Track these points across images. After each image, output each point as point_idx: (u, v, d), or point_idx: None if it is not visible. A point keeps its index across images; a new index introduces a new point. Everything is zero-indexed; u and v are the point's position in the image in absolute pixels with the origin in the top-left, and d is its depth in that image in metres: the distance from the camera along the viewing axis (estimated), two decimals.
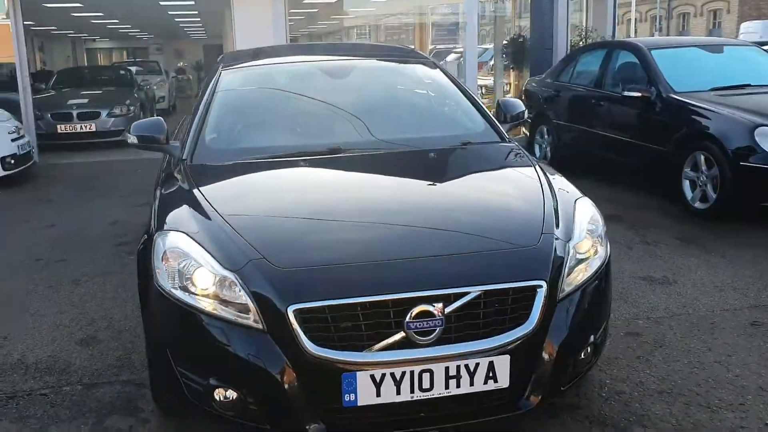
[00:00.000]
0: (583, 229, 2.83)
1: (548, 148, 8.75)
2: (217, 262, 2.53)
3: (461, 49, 19.68)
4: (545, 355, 2.55)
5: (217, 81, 3.92)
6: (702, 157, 6.15)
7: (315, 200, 3.01)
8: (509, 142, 3.71)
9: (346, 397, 2.39)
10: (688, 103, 6.45)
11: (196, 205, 2.89)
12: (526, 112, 4.11)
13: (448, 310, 2.41)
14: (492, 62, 14.72)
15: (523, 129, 9.60)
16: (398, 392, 2.41)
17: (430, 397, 2.44)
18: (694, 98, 6.48)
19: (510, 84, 13.60)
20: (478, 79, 13.69)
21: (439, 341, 2.42)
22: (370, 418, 2.47)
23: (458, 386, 2.45)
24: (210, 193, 2.99)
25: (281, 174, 3.29)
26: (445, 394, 2.46)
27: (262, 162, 3.36)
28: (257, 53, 4.45)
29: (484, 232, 2.75)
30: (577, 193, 3.13)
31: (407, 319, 2.39)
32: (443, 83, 4.08)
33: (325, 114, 3.78)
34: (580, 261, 2.74)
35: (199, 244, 2.62)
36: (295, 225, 2.81)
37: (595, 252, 2.83)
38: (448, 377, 2.43)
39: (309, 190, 3.14)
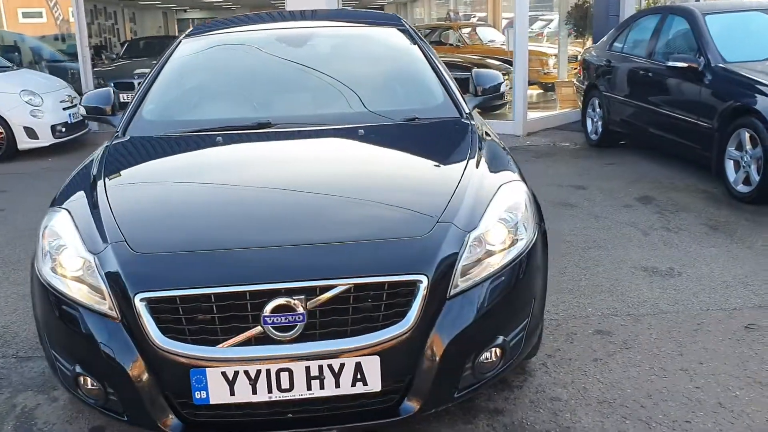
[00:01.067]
0: (496, 217, 2.52)
1: (599, 123, 8.20)
2: (83, 244, 2.41)
3: (550, 17, 18.85)
4: (428, 358, 2.29)
5: (173, 51, 3.79)
6: (747, 135, 5.55)
7: (207, 180, 2.84)
8: (468, 118, 3.39)
9: (197, 395, 2.23)
10: (737, 74, 5.82)
11: (93, 183, 2.78)
12: (505, 84, 3.76)
13: (311, 304, 2.20)
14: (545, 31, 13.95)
15: (579, 102, 9.05)
16: (254, 392, 2.23)
17: (292, 398, 2.25)
18: (745, 68, 5.85)
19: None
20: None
21: (301, 338, 2.21)
22: (229, 416, 2.30)
23: (322, 388, 2.24)
24: (111, 169, 2.88)
25: (191, 150, 3.13)
26: (308, 396, 2.25)
27: (185, 136, 3.21)
28: (228, 23, 4.28)
29: (374, 220, 2.50)
30: (509, 177, 2.80)
31: (264, 313, 2.19)
32: (410, 53, 3.79)
33: (269, 85, 3.58)
34: (489, 253, 2.45)
35: (75, 224, 2.51)
36: (172, 207, 2.64)
37: (512, 243, 2.52)
38: (309, 378, 2.22)
39: (208, 169, 2.96)
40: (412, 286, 2.26)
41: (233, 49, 3.90)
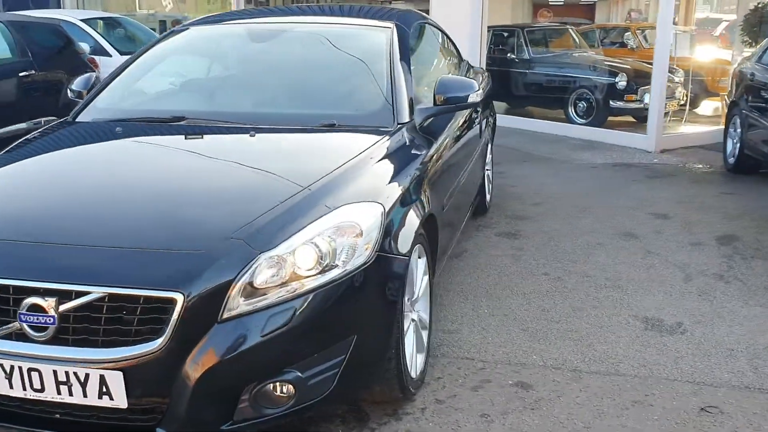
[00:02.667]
0: (305, 239, 2.28)
1: (738, 145, 7.15)
2: None
3: (733, 17, 16.57)
4: (184, 382, 2.14)
5: (156, 42, 3.89)
6: None
7: (58, 169, 2.88)
8: (399, 129, 3.11)
9: None
10: None
11: None
12: (475, 95, 3.39)
13: (63, 307, 2.14)
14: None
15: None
16: (11, 386, 2.22)
17: (44, 399, 2.21)
18: None
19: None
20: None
21: (54, 341, 2.17)
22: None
23: (70, 394, 2.18)
24: (10, 146, 3.03)
25: (84, 140, 3.18)
26: (59, 400, 2.20)
27: (99, 125, 3.27)
28: (222, 17, 4.28)
29: (164, 230, 2.35)
30: (367, 197, 2.53)
31: (20, 309, 2.17)
32: (379, 56, 3.53)
33: (215, 81, 3.55)
34: (293, 277, 2.23)
35: None
36: (4, 190, 2.70)
37: (325, 269, 2.28)
38: (58, 382, 2.18)
39: (72, 158, 3.00)
40: (168, 303, 2.12)
41: (205, 43, 3.91)
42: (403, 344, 2.68)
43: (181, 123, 3.15)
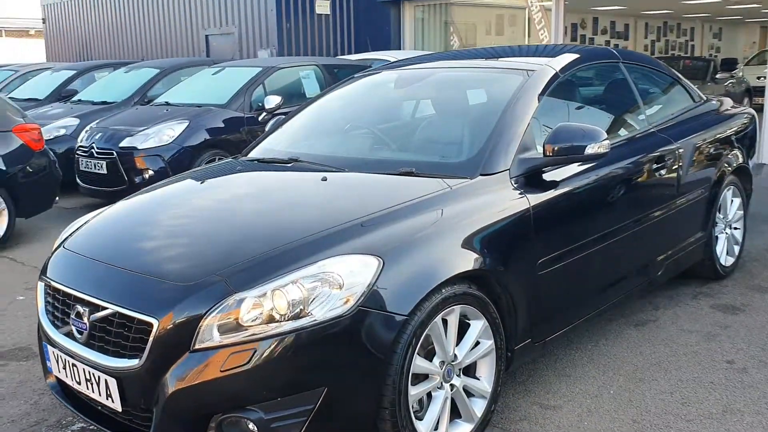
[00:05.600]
0: (282, 284, 2.35)
1: None
2: None
3: None
4: (160, 399, 2.38)
5: (337, 85, 4.21)
6: None
7: (161, 200, 3.28)
8: (483, 180, 2.94)
9: (48, 364, 2.83)
10: None
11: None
12: (597, 147, 3.00)
13: (93, 317, 2.56)
14: None
15: None
16: (67, 375, 2.71)
17: (82, 391, 2.65)
18: None
19: None
20: None
21: (87, 344, 2.59)
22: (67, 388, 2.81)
23: (93, 391, 2.58)
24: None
25: (211, 174, 3.57)
26: (88, 393, 2.61)
27: (239, 162, 3.67)
28: (403, 62, 4.36)
29: (177, 260, 2.62)
30: (372, 249, 2.49)
31: (72, 314, 2.65)
32: (498, 99, 3.33)
33: (342, 125, 3.70)
34: (267, 319, 2.33)
35: None
36: (113, 214, 3.20)
37: (297, 315, 2.32)
38: (86, 378, 2.59)
39: (181, 191, 3.37)
40: (149, 326, 2.39)
41: (362, 88, 4.06)
42: (422, 408, 2.57)
43: (287, 164, 3.40)
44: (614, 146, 3.56)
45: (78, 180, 7.57)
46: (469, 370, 2.81)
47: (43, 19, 20.23)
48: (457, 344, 2.71)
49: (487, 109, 3.41)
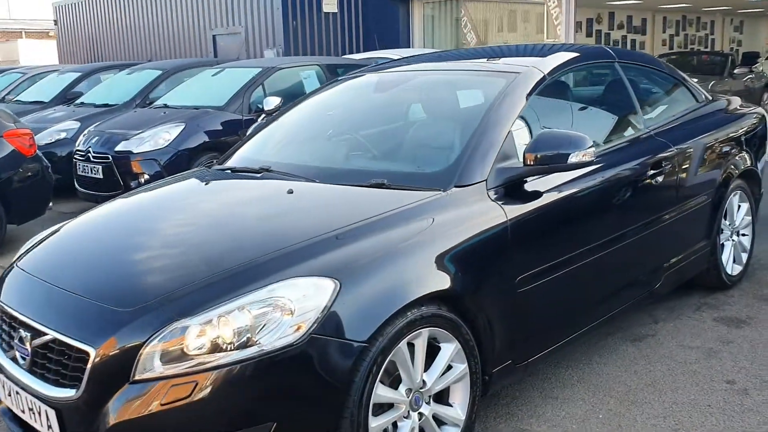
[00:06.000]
0: (228, 312, 2.18)
1: None
2: None
3: None
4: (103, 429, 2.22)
5: (318, 90, 4.03)
6: None
7: (119, 213, 3.13)
8: (457, 192, 2.74)
9: None
10: None
11: None
12: (580, 155, 2.80)
13: (34, 343, 2.41)
14: None
15: None
16: (12, 403, 2.54)
17: (26, 419, 2.49)
18: None
19: None
20: None
21: (30, 370, 2.44)
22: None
23: (35, 421, 2.43)
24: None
25: (180, 185, 3.40)
26: (31, 423, 2.46)
27: (208, 172, 3.50)
28: (400, 61, 4.18)
29: (119, 283, 2.46)
30: (326, 271, 2.31)
31: (15, 338, 2.50)
32: (480, 104, 3.13)
33: (320, 131, 3.52)
34: (213, 348, 2.16)
35: None
36: (72, 229, 3.03)
37: (239, 346, 2.15)
38: (29, 407, 2.44)
39: (139, 203, 3.22)
40: (86, 355, 2.23)
41: (340, 94, 3.87)
42: None
43: (258, 174, 3.22)
44: (606, 152, 3.37)
45: (76, 184, 7.48)
46: (442, 397, 2.63)
47: (54, 20, 20.27)
48: (426, 369, 2.53)
49: (465, 115, 3.22)
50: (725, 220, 4.34)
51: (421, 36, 14.30)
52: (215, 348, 2.16)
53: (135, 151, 6.97)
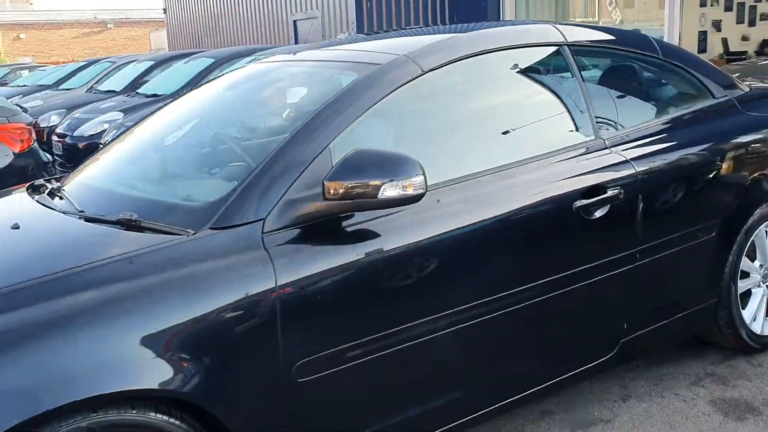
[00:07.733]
0: None
1: None
2: None
3: None
4: None
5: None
6: None
7: None
8: (207, 238, 1.92)
9: None
10: None
11: None
12: (400, 186, 1.90)
13: None
14: None
15: None
16: None
17: None
18: None
19: None
20: None
21: None
22: None
23: None
24: None
25: None
26: None
27: None
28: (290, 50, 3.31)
29: None
30: None
31: None
32: (301, 113, 2.27)
33: (152, 144, 2.77)
34: None
35: None
36: None
37: None
38: None
39: None
40: None
41: (205, 90, 3.06)
42: None
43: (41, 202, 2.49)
44: (490, 175, 2.37)
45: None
46: None
47: (164, 9, 20.79)
48: None
49: (279, 123, 2.35)
50: (757, 260, 3.18)
51: (513, 11, 12.89)
52: None
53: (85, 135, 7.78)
